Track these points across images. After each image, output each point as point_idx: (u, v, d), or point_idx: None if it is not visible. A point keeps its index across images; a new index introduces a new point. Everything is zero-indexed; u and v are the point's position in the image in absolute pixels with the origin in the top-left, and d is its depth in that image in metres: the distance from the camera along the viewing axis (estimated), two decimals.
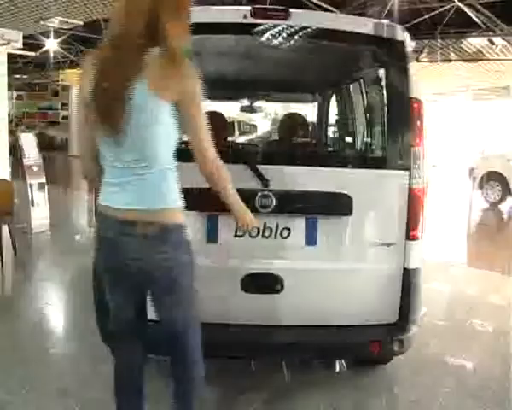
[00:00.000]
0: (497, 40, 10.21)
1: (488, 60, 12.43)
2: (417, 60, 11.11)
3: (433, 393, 2.80)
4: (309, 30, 2.40)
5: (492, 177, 10.07)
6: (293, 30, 2.39)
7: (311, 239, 2.45)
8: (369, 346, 2.44)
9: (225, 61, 3.13)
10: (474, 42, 10.82)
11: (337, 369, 2.93)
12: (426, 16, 8.96)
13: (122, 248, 1.70)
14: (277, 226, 2.43)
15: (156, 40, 1.62)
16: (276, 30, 2.37)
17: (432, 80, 15.43)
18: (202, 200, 2.13)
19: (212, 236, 2.41)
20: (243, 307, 2.40)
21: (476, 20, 9.00)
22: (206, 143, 1.73)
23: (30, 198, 6.20)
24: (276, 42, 2.52)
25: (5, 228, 4.97)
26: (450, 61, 12.75)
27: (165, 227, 1.69)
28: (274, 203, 2.30)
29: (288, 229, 2.44)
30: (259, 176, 2.32)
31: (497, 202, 10.12)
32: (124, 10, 1.64)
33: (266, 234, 2.40)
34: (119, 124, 1.60)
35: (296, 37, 2.44)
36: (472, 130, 17.06)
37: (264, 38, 2.41)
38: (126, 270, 1.74)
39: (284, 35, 2.46)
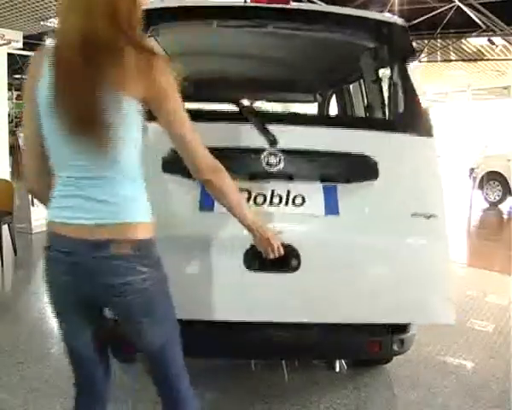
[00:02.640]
0: (497, 40, 10.22)
1: (488, 60, 12.44)
2: (417, 60, 11.12)
3: (433, 393, 2.80)
4: (309, 15, 2.36)
5: (492, 177, 10.08)
6: (294, 14, 2.34)
7: (331, 208, 2.12)
8: (369, 346, 2.42)
9: (223, 50, 3.05)
10: (474, 42, 10.83)
11: (337, 369, 2.92)
12: (426, 16, 8.96)
13: (93, 271, 1.38)
14: (288, 193, 2.10)
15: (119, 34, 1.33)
16: (276, 14, 2.31)
17: (432, 80, 15.44)
18: None
19: (206, 203, 2.01)
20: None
21: (476, 20, 9.01)
22: (193, 143, 1.44)
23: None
24: (276, 25, 2.43)
25: (5, 228, 4.97)
26: (450, 61, 12.77)
27: (139, 243, 1.40)
28: (282, 165, 2.05)
29: (303, 197, 2.12)
30: (264, 131, 2.06)
31: (497, 201, 10.13)
32: (81, 4, 1.31)
33: (275, 201, 2.08)
34: (97, 130, 1.32)
35: (297, 22, 2.37)
36: (472, 130, 17.05)
37: (263, 23, 2.35)
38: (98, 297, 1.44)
39: (285, 19, 2.38)
